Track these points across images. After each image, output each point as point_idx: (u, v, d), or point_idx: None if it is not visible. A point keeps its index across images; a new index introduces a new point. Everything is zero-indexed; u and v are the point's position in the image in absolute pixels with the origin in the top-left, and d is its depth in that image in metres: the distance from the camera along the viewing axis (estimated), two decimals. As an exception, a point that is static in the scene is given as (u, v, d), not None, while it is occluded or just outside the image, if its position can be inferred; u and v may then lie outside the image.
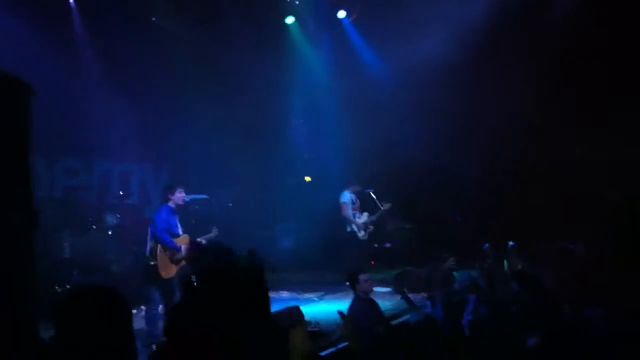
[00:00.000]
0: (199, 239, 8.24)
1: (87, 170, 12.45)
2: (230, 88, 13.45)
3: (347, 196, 11.40)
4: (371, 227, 11.47)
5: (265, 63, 13.51)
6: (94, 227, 10.65)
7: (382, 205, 11.47)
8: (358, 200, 11.54)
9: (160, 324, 7.58)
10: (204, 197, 9.41)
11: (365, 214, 11.47)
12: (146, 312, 7.59)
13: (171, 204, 7.90)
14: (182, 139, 12.92)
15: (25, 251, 4.03)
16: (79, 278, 9.68)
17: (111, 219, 10.89)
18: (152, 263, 7.76)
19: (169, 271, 7.74)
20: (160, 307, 7.80)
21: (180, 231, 7.99)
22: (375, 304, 7.43)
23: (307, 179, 15.17)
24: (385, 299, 9.67)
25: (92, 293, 2.34)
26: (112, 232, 10.64)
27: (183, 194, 7.92)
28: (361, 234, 11.35)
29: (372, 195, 11.56)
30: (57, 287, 8.90)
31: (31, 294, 4.01)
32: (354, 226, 11.29)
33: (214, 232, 8.50)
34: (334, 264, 12.33)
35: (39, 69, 9.01)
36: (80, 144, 11.72)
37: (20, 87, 4.18)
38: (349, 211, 11.27)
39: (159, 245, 7.70)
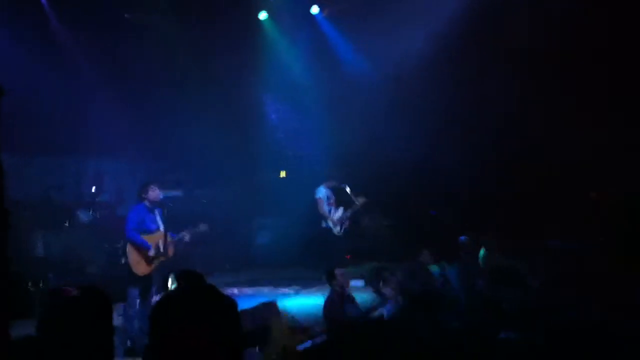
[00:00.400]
0: (182, 233, 8.22)
1: (62, 169, 12.34)
2: (206, 85, 13.40)
3: (322, 192, 11.39)
4: (347, 222, 11.45)
5: (241, 59, 13.46)
6: (67, 224, 10.56)
7: (356, 200, 11.45)
8: (334, 196, 11.52)
9: (137, 322, 7.56)
10: (179, 195, 9.37)
11: (341, 209, 11.47)
12: (123, 309, 7.55)
13: (146, 202, 7.87)
14: (158, 136, 12.85)
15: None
16: (54, 278, 9.60)
17: (84, 216, 10.83)
18: (123, 261, 7.76)
19: (142, 269, 7.71)
20: (137, 305, 7.76)
21: (159, 227, 7.96)
22: (352, 298, 7.48)
23: (283, 174, 15.16)
24: (361, 292, 9.72)
25: (73, 291, 2.34)
26: (85, 230, 10.57)
27: (157, 192, 7.89)
28: (336, 230, 11.30)
29: (347, 190, 11.55)
30: (29, 286, 8.79)
31: (3, 292, 3.96)
32: (329, 222, 11.27)
33: (202, 227, 8.48)
34: (310, 259, 12.37)
35: (10, 67, 8.94)
36: (55, 143, 11.61)
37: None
38: (324, 207, 11.27)
39: (128, 244, 7.71)
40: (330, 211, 11.32)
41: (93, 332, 2.20)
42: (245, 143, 13.76)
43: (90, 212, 10.98)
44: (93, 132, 11.89)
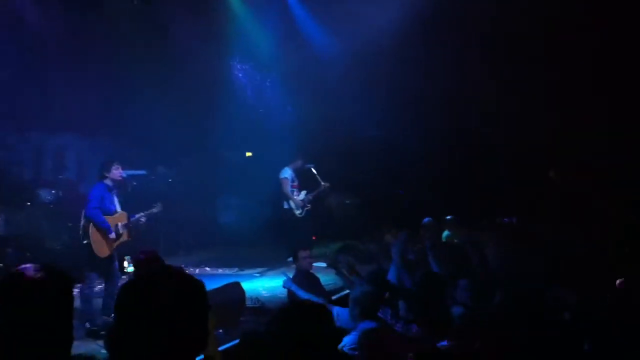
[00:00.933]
0: (139, 215, 8.08)
1: (21, 144, 12.07)
2: (171, 61, 13.21)
3: (287, 172, 11.34)
4: (309, 205, 11.40)
5: (206, 36, 13.28)
6: (29, 203, 10.37)
7: (322, 182, 11.44)
8: (297, 179, 11.47)
9: (95, 303, 7.46)
10: (143, 173, 9.21)
11: (304, 192, 11.43)
12: (81, 290, 7.42)
13: (107, 181, 7.70)
14: (121, 112, 12.63)
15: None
16: (14, 255, 9.44)
17: (46, 194, 10.63)
18: (85, 242, 7.59)
19: (104, 250, 7.58)
20: (97, 285, 7.66)
21: (117, 208, 7.81)
22: (316, 279, 7.51)
23: (248, 154, 15.10)
24: (325, 273, 9.75)
25: (33, 270, 2.27)
26: (47, 208, 10.37)
27: (120, 170, 7.72)
28: (298, 212, 11.27)
29: (313, 170, 11.52)
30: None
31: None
32: (291, 203, 11.22)
33: (156, 208, 8.33)
34: (272, 240, 12.38)
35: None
36: (13, 116, 11.31)
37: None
38: (288, 187, 11.22)
39: (91, 223, 7.53)
40: (293, 193, 11.27)
41: (54, 315, 2.14)
42: (210, 121, 13.59)
43: (53, 191, 10.77)
44: (53, 107, 11.63)
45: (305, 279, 7.30)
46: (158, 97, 12.86)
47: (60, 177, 11.39)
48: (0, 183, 10.46)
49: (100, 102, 12.09)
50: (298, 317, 2.67)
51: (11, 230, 9.98)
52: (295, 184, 11.38)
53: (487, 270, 6.74)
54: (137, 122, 12.64)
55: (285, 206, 11.23)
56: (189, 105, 13.34)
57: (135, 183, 8.30)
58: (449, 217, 9.94)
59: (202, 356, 3.60)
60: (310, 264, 7.63)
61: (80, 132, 12.74)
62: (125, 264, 4.25)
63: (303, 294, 6.73)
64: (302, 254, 7.40)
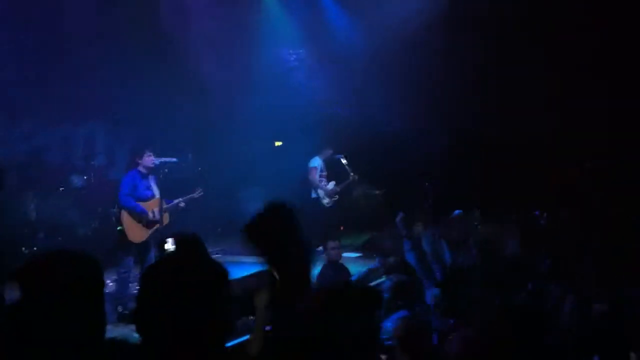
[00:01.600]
0: (177, 200, 8.14)
1: (49, 131, 12.18)
2: (197, 50, 13.22)
3: (317, 161, 11.31)
4: (336, 196, 11.36)
5: (232, 25, 13.28)
6: (61, 189, 10.48)
7: (351, 173, 11.39)
8: (326, 169, 11.44)
9: (131, 287, 7.52)
10: (174, 161, 9.27)
11: (332, 182, 11.38)
12: (117, 275, 7.50)
13: (140, 168, 7.75)
14: (149, 100, 12.68)
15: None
16: (45, 241, 9.56)
17: (77, 180, 10.74)
18: (119, 228, 7.66)
19: (139, 235, 7.63)
20: (132, 270, 7.71)
21: (154, 193, 7.85)
22: (345, 270, 7.48)
23: (278, 143, 15.10)
24: (354, 264, 9.74)
25: (62, 256, 2.29)
26: (78, 194, 10.48)
27: (152, 157, 7.77)
28: (325, 201, 11.25)
29: (343, 160, 11.48)
30: (23, 249, 8.74)
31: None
32: (320, 192, 11.19)
33: (197, 193, 8.41)
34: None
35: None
36: (41, 104, 11.41)
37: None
38: (316, 176, 11.16)
39: (122, 210, 7.59)
40: (321, 182, 11.23)
41: (84, 299, 2.15)
42: (236, 110, 13.60)
43: (84, 177, 10.88)
44: (81, 96, 11.71)
45: (333, 269, 7.28)
46: (187, 85, 12.92)
47: (92, 163, 11.46)
48: (31, 169, 10.59)
49: (126, 90, 12.15)
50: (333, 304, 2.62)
51: (42, 215, 10.11)
52: (324, 174, 11.35)
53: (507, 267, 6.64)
54: (165, 110, 12.71)
55: (314, 195, 11.18)
56: (218, 93, 13.35)
57: (166, 170, 8.35)
58: (473, 212, 9.85)
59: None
60: (339, 254, 7.62)
61: (106, 118, 12.84)
62: (167, 245, 4.30)
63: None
64: (331, 244, 7.38)
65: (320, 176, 11.29)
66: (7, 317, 2.20)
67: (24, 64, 10.36)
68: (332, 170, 11.62)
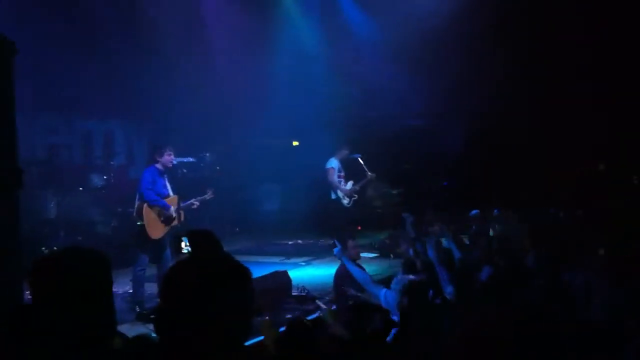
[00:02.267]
0: (191, 201, 8.16)
1: (68, 129, 12.27)
2: (214, 47, 13.28)
3: (334, 163, 11.28)
4: (355, 195, 11.36)
5: (251, 24, 13.31)
6: (81, 188, 10.55)
7: (368, 172, 11.38)
8: (343, 170, 11.41)
9: (146, 286, 7.55)
10: (192, 160, 9.29)
11: (350, 182, 11.36)
12: (133, 273, 7.52)
13: (159, 165, 7.77)
14: (166, 97, 12.73)
15: (10, 209, 3.97)
16: (65, 239, 9.62)
17: (97, 180, 10.80)
18: (139, 223, 7.66)
19: (157, 231, 7.65)
20: (147, 268, 7.73)
21: (169, 192, 7.89)
22: (363, 269, 7.45)
23: (295, 143, 15.11)
24: (371, 263, 9.72)
25: (68, 254, 2.31)
26: (98, 193, 10.55)
27: (172, 156, 7.79)
28: (345, 202, 11.22)
29: (360, 160, 11.47)
30: (43, 248, 8.80)
31: (16, 252, 3.96)
32: (339, 192, 11.17)
33: (209, 194, 8.42)
34: (317, 229, 12.42)
35: (23, 23, 8.84)
36: (60, 102, 11.48)
37: (3, 43, 4.07)
38: (334, 177, 11.19)
39: (145, 204, 7.60)
40: (340, 183, 11.26)
41: (88, 294, 2.16)
42: (254, 109, 13.63)
43: (104, 177, 10.94)
44: (99, 94, 11.79)
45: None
46: (204, 84, 12.96)
47: (111, 162, 11.53)
48: (51, 168, 10.66)
49: (144, 88, 12.21)
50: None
51: (63, 214, 10.19)
52: (342, 174, 11.31)
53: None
54: (182, 108, 12.76)
55: (333, 196, 11.18)
56: (236, 92, 13.38)
57: (185, 170, 8.37)
58: (495, 212, 9.83)
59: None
60: (359, 253, 7.59)
61: (125, 117, 12.92)
62: (183, 244, 4.30)
63: (353, 268, 6.70)
64: (351, 243, 7.35)
65: (339, 177, 11.28)
66: (16, 316, 2.22)
67: (46, 61, 10.40)
68: (349, 170, 11.61)
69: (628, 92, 12.19)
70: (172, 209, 7.68)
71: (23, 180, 4.09)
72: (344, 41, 13.88)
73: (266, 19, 13.63)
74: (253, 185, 14.53)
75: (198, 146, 13.13)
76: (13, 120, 4.06)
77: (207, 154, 13.17)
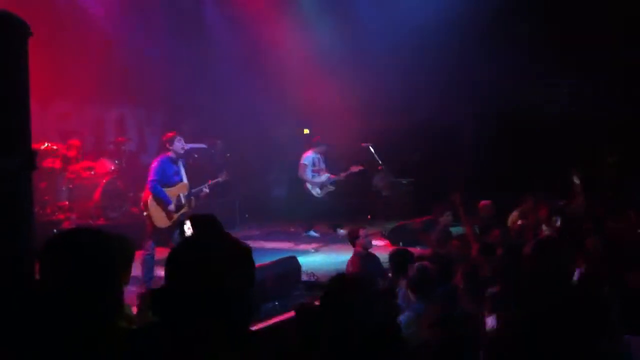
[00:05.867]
0: (200, 187, 8.22)
1: (79, 114, 12.32)
2: (226, 34, 13.28)
3: (308, 159, 11.98)
4: (331, 187, 12.04)
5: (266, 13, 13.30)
6: (92, 173, 10.61)
7: (379, 161, 11.56)
8: (322, 163, 12.10)
9: (154, 270, 7.61)
10: (203, 147, 9.35)
11: (326, 175, 12.02)
12: (143, 259, 7.58)
13: (171, 153, 7.83)
14: (177, 85, 12.75)
15: (24, 192, 4.00)
16: (77, 223, 9.69)
17: (109, 164, 10.87)
18: (145, 214, 7.77)
19: (164, 220, 7.73)
20: (154, 252, 7.78)
21: (181, 178, 7.93)
22: (376, 258, 7.46)
23: (305, 131, 15.11)
24: (380, 252, 9.73)
25: (77, 233, 2.34)
26: (109, 177, 10.60)
27: (182, 143, 7.84)
28: (315, 192, 11.97)
29: (371, 149, 11.56)
30: (55, 230, 8.86)
31: (29, 234, 3.99)
32: (308, 185, 11.93)
33: (222, 177, 8.51)
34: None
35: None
36: (71, 87, 11.52)
37: (19, 25, 4.07)
38: (306, 173, 11.94)
39: (150, 195, 7.68)
40: (314, 176, 11.99)
41: (98, 275, 2.18)
42: (263, 97, 13.63)
43: (116, 161, 11.01)
44: (112, 78, 11.81)
45: (364, 257, 7.26)
46: (215, 71, 12.97)
47: (122, 147, 11.57)
48: (63, 152, 10.69)
49: (154, 74, 12.22)
50: (352, 291, 2.62)
51: (73, 198, 10.27)
52: (317, 167, 12.05)
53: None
54: (193, 94, 12.77)
55: (305, 190, 11.97)
56: (245, 81, 13.38)
57: (196, 156, 8.41)
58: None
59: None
60: (370, 242, 7.61)
61: (136, 102, 12.95)
62: (185, 227, 4.32)
63: None
64: (362, 232, 7.37)
65: (314, 170, 12.03)
66: (37, 296, 2.24)
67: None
68: (362, 159, 11.73)
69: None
70: (175, 201, 7.77)
71: (36, 163, 4.11)
72: (353, 30, 13.81)
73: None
74: (263, 173, 14.57)
75: (210, 134, 13.18)
76: (27, 102, 4.08)
77: (218, 141, 13.22)
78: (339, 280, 3.01)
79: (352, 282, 2.98)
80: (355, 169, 12.03)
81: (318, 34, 13.82)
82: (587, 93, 12.73)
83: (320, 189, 12.04)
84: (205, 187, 8.23)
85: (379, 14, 13.63)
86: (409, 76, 12.92)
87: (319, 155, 12.15)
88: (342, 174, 12.09)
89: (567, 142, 12.61)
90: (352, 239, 7.39)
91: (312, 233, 12.04)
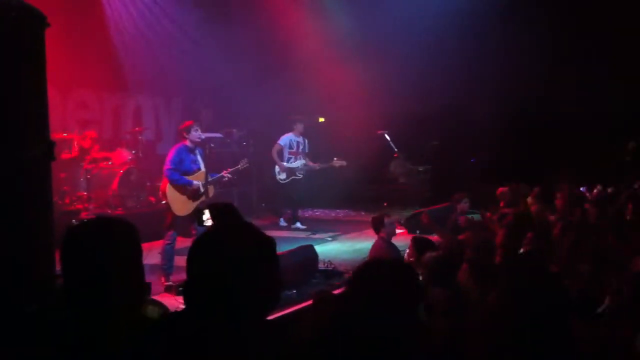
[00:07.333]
0: (222, 173, 8.26)
1: (98, 104, 12.38)
2: (244, 24, 13.26)
3: (285, 140, 11.66)
4: (299, 175, 11.64)
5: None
6: (110, 163, 10.67)
7: (395, 149, 11.47)
8: (299, 145, 11.71)
9: (175, 259, 7.64)
10: (219, 136, 9.35)
11: (301, 161, 11.64)
12: (162, 247, 7.61)
13: (188, 142, 7.85)
14: (194, 74, 12.76)
15: (43, 181, 4.03)
16: (95, 212, 9.75)
17: (126, 154, 10.92)
18: (163, 202, 7.80)
19: (183, 209, 7.74)
20: (175, 242, 7.80)
21: (199, 167, 7.94)
22: (395, 247, 7.40)
23: (321, 119, 15.08)
24: (396, 240, 9.71)
25: (97, 223, 2.36)
26: (126, 167, 10.65)
27: (199, 132, 7.84)
28: (281, 177, 11.62)
29: (387, 136, 11.51)
30: (73, 221, 8.93)
31: (48, 224, 4.03)
32: (276, 168, 11.61)
33: (242, 164, 8.55)
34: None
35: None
36: (91, 76, 11.56)
37: (36, 17, 4.09)
38: (275, 153, 11.57)
39: (168, 184, 7.69)
40: (289, 160, 11.60)
41: (115, 262, 2.20)
42: (279, 86, 13.61)
43: (133, 151, 11.06)
44: (130, 68, 11.85)
45: (386, 246, 7.21)
46: (232, 61, 12.96)
47: (139, 137, 11.61)
48: (81, 142, 10.76)
49: (172, 64, 12.23)
50: (378, 273, 2.56)
51: (92, 187, 10.34)
52: (294, 150, 11.68)
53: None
54: (209, 84, 12.76)
55: (274, 171, 11.68)
56: (261, 70, 13.37)
57: (212, 145, 8.42)
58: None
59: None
60: (395, 229, 7.54)
61: (154, 92, 12.98)
62: (204, 217, 4.31)
63: None
64: (387, 220, 7.27)
65: (290, 153, 11.63)
66: (57, 284, 2.27)
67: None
68: (377, 146, 11.66)
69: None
70: (198, 183, 7.75)
71: (54, 153, 4.15)
72: (369, 15, 13.73)
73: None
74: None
75: (225, 122, 13.20)
76: (45, 93, 4.11)
77: (234, 130, 13.23)
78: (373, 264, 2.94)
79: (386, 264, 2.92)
80: (336, 163, 11.71)
81: (335, 21, 13.77)
82: (603, 79, 12.56)
83: (288, 175, 11.67)
84: (225, 176, 8.25)
85: (396, 0, 13.54)
86: (426, 63, 12.84)
87: (299, 138, 11.76)
88: (318, 165, 11.78)
89: (584, 130, 12.54)
90: (376, 225, 7.29)
91: (283, 222, 11.91)
